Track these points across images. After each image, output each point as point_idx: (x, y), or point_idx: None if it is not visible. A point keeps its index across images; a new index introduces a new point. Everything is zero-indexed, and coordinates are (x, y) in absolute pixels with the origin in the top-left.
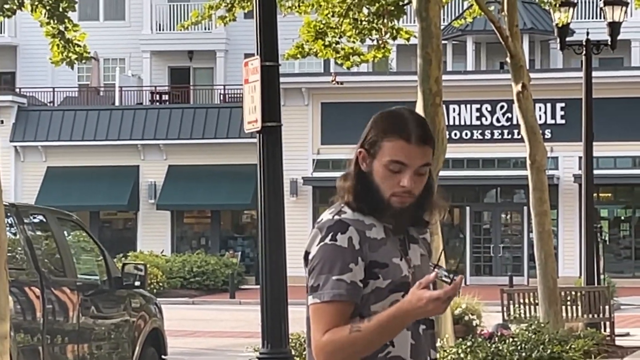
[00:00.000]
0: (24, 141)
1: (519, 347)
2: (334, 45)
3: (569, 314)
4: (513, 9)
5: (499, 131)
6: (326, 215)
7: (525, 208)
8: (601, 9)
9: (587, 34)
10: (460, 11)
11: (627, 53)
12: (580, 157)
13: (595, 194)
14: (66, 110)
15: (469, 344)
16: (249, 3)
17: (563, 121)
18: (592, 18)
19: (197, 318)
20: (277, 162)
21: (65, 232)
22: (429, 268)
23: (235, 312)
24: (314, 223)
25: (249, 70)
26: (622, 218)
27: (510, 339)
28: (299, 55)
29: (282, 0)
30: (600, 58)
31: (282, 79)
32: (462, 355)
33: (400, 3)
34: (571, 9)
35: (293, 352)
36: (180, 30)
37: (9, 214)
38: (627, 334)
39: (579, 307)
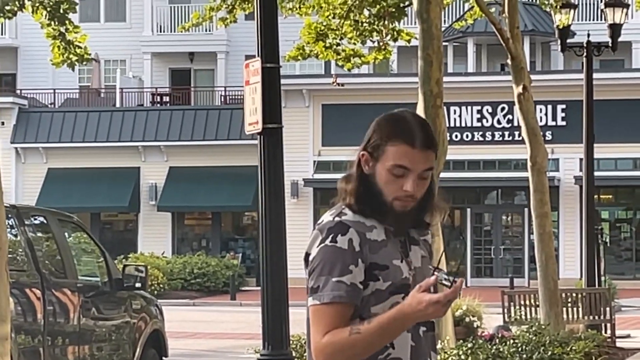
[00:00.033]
0: (24, 142)
1: (519, 349)
2: (334, 46)
3: (570, 316)
4: (514, 10)
5: (500, 133)
6: (327, 217)
7: (526, 210)
8: (602, 10)
9: (588, 35)
10: (461, 13)
11: (628, 55)
12: (581, 159)
13: (596, 196)
14: (67, 111)
15: (469, 345)
16: (249, 4)
17: (564, 123)
18: (593, 20)
19: (197, 319)
20: (278, 164)
21: (66, 234)
22: (429, 270)
23: (236, 313)
24: (315, 225)
25: (250, 72)
26: (623, 220)
27: (511, 341)
28: (299, 57)
29: (283, 1)
30: (601, 60)
31: (283, 81)
32: (462, 357)
33: (401, 5)
34: (572, 11)
35: (294, 354)
36: (181, 31)
37: (9, 216)
38: (628, 336)
39: (580, 309)
